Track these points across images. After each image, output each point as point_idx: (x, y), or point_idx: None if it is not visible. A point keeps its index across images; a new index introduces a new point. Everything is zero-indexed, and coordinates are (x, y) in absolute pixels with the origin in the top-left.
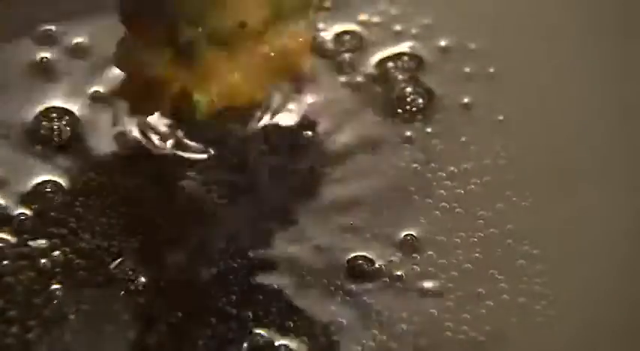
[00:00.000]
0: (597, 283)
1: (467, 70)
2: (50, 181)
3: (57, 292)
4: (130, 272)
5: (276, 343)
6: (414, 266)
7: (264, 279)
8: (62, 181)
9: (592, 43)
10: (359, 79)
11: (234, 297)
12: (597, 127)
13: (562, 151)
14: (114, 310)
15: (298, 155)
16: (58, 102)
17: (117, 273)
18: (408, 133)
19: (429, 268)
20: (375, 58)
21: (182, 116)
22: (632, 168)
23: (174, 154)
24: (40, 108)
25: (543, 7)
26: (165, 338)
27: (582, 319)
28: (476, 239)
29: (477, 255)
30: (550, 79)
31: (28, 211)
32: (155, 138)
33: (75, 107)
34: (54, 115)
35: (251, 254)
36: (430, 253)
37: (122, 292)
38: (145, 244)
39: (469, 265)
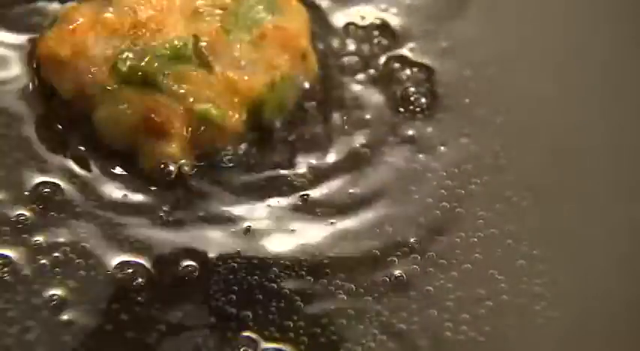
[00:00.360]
0: (597, 284)
1: (467, 70)
2: (50, 181)
3: (58, 293)
4: (130, 272)
5: (276, 343)
6: (414, 266)
7: (264, 279)
8: (62, 181)
9: (592, 43)
10: (360, 79)
11: (234, 297)
12: (597, 128)
13: (562, 151)
14: (114, 310)
15: (297, 154)
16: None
17: (117, 273)
18: (409, 133)
19: (429, 268)
20: (376, 59)
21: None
22: (632, 168)
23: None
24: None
25: (544, 7)
26: (165, 338)
27: (582, 319)
28: (476, 239)
29: (477, 255)
30: (550, 79)
31: (27, 212)
32: None
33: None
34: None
35: (251, 254)
36: (430, 253)
37: (122, 292)
38: (144, 244)
39: (469, 265)
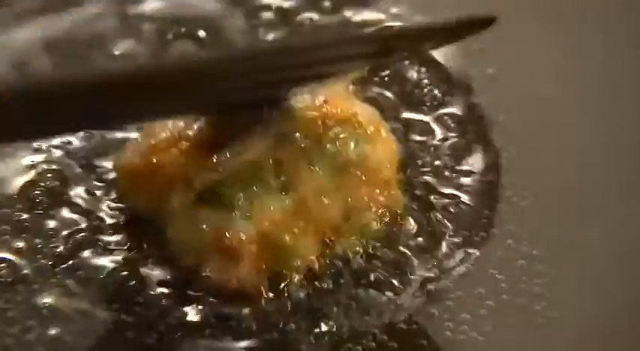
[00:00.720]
0: (597, 284)
1: (466, 69)
2: (51, 180)
3: (58, 293)
4: (131, 271)
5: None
6: (415, 264)
7: None
8: (62, 180)
9: (593, 43)
10: (356, 78)
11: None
12: (598, 127)
13: (562, 151)
14: (114, 310)
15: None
16: None
17: (116, 272)
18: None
19: (430, 268)
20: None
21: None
22: (633, 168)
23: None
24: None
25: (543, 7)
26: (165, 338)
27: (582, 319)
28: (476, 239)
29: (477, 255)
30: (550, 79)
31: (28, 212)
32: None
33: None
34: None
35: None
36: (431, 252)
37: (122, 293)
38: (145, 243)
39: (469, 265)
